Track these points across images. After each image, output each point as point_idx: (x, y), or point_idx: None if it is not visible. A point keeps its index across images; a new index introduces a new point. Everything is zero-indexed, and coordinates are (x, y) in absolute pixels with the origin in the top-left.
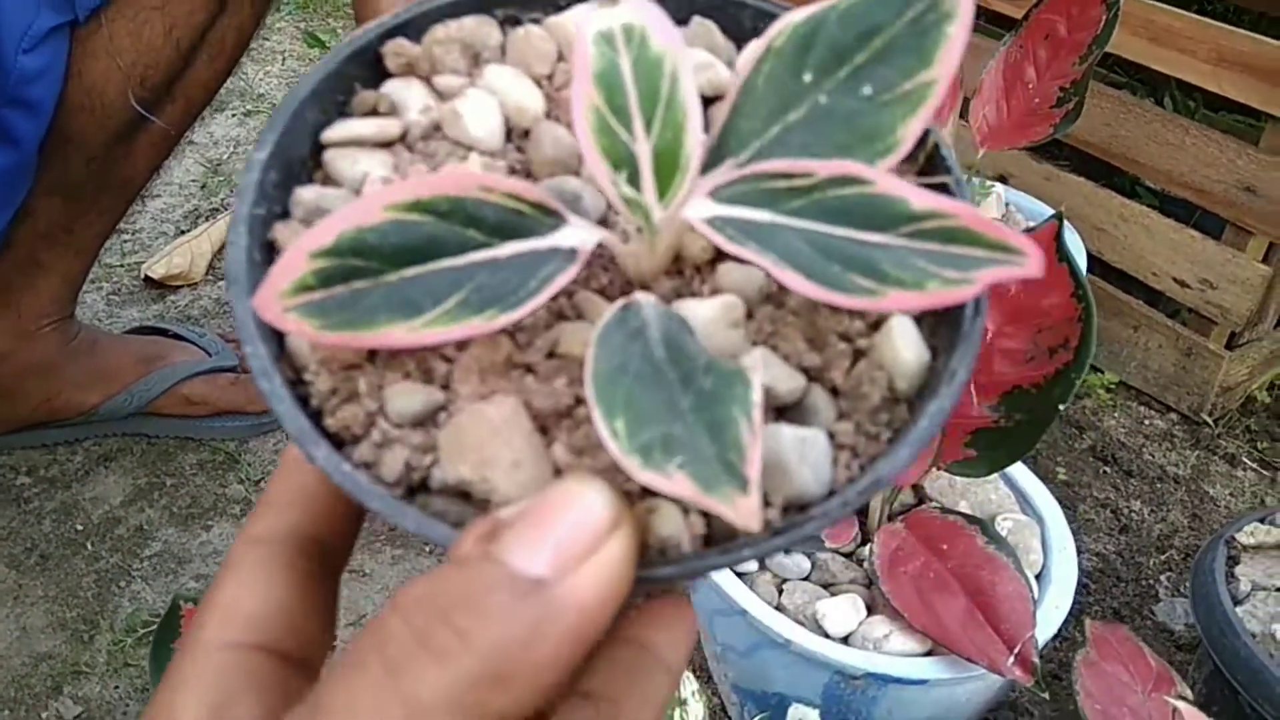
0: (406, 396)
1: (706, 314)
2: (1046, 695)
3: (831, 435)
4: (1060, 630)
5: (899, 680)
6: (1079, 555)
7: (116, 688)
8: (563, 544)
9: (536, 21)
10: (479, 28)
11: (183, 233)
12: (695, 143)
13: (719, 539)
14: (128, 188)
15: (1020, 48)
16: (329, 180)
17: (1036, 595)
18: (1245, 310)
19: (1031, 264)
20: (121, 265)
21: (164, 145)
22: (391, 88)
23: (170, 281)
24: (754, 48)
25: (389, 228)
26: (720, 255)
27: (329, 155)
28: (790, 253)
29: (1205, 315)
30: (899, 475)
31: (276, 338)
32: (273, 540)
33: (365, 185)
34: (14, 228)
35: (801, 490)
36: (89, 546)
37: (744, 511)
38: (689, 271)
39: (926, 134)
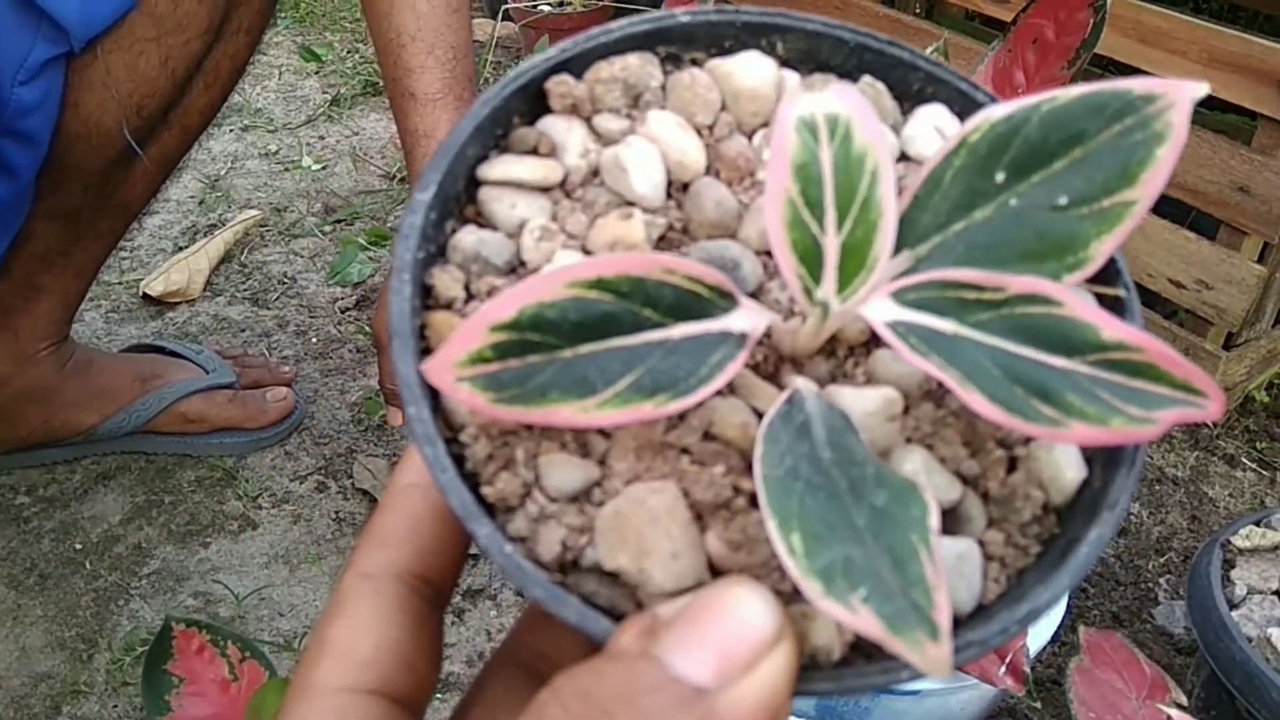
0: (564, 471)
1: (866, 406)
2: (1039, 705)
3: (981, 544)
4: (1058, 635)
5: (892, 691)
6: None
7: (115, 707)
8: (725, 651)
9: (698, 63)
10: (642, 67)
11: (180, 249)
12: (886, 244)
13: (868, 647)
14: (125, 212)
15: (1009, 52)
16: (482, 218)
17: None
18: (1241, 310)
19: (1214, 407)
20: (120, 283)
21: (162, 170)
22: (551, 126)
23: (168, 299)
24: (945, 143)
25: (569, 304)
26: (877, 339)
27: (485, 194)
28: (974, 371)
29: (1202, 316)
30: (1057, 602)
31: (432, 393)
32: (383, 576)
33: (524, 233)
34: (12, 253)
35: (955, 605)
36: (88, 565)
37: (935, 660)
38: (843, 352)
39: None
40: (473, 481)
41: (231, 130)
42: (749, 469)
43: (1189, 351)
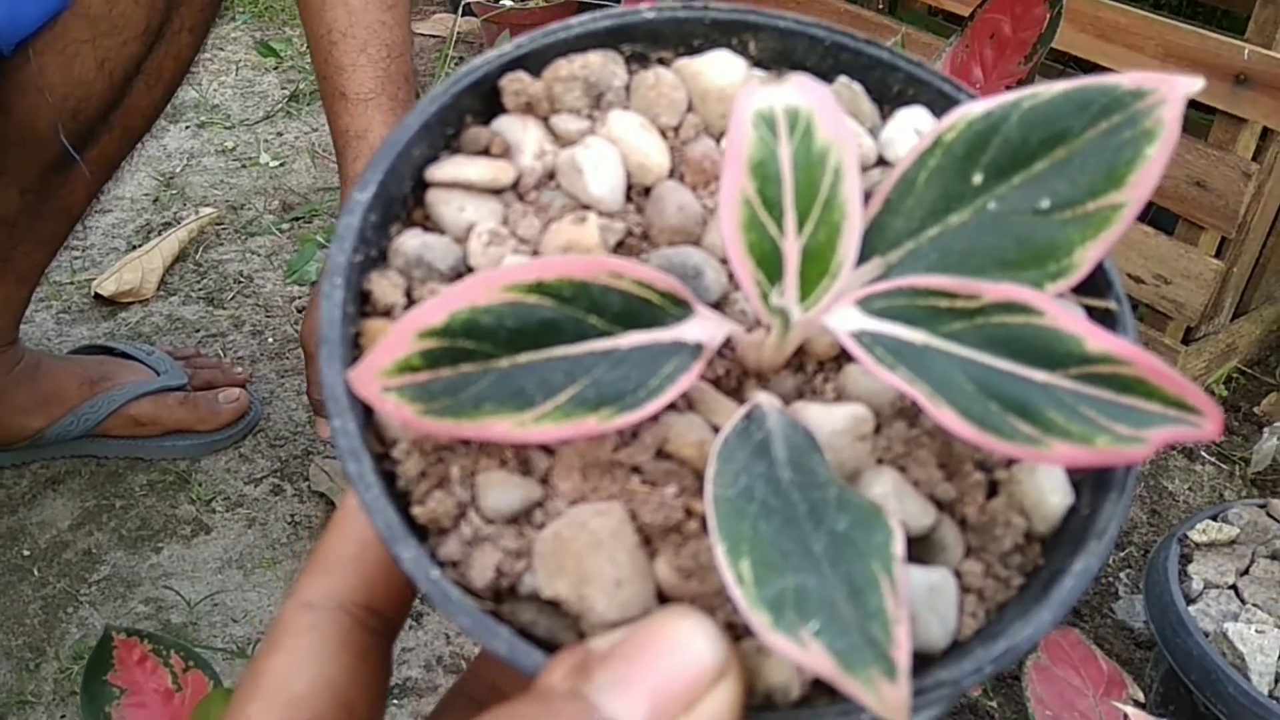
0: (502, 491)
1: (833, 424)
2: (995, 705)
3: (958, 574)
4: None
5: None
6: None
7: (63, 717)
8: (661, 691)
9: (665, 63)
10: (604, 65)
11: (134, 248)
12: (850, 246)
13: (828, 692)
14: (66, 216)
15: (966, 47)
16: (429, 222)
17: None
18: (1200, 305)
19: (1210, 425)
20: (71, 283)
21: (103, 173)
22: (506, 126)
23: (121, 298)
24: (919, 143)
25: (506, 310)
26: (846, 354)
27: (432, 196)
28: (945, 385)
29: (1160, 311)
30: (1038, 641)
31: (364, 406)
32: (325, 607)
33: (471, 238)
34: None
35: (927, 641)
36: (36, 572)
37: (891, 703)
38: (811, 367)
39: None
40: (404, 501)
41: (187, 126)
42: (703, 490)
43: (1148, 346)
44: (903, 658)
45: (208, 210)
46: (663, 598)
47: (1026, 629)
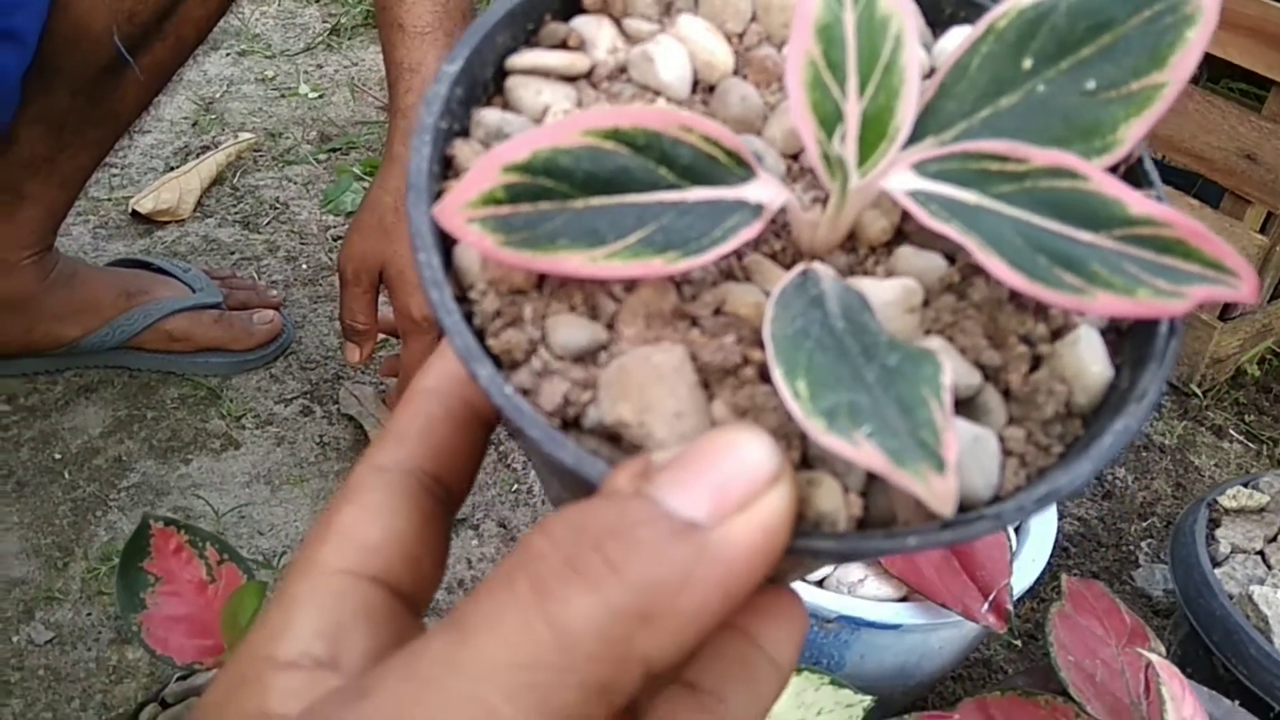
0: (571, 329)
1: (884, 295)
2: (1019, 645)
3: (1001, 439)
4: (1037, 590)
5: (872, 624)
6: (1061, 519)
7: (89, 614)
8: (720, 489)
9: None
10: None
11: (172, 169)
12: (908, 111)
13: (875, 525)
14: (115, 122)
15: None
16: (509, 107)
17: (1014, 546)
18: None
19: (1246, 287)
20: (109, 199)
21: (154, 82)
22: (582, 24)
23: (158, 217)
24: (972, 30)
25: (584, 153)
26: (899, 238)
27: (512, 82)
28: (995, 238)
29: None
30: (1077, 489)
31: (446, 249)
32: (396, 470)
33: (547, 117)
34: None
35: (970, 490)
36: (66, 475)
37: (939, 492)
38: (864, 251)
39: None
40: (480, 337)
41: (228, 54)
42: (761, 343)
43: (1184, 320)
44: (951, 455)
45: (246, 136)
46: None
47: (1066, 477)
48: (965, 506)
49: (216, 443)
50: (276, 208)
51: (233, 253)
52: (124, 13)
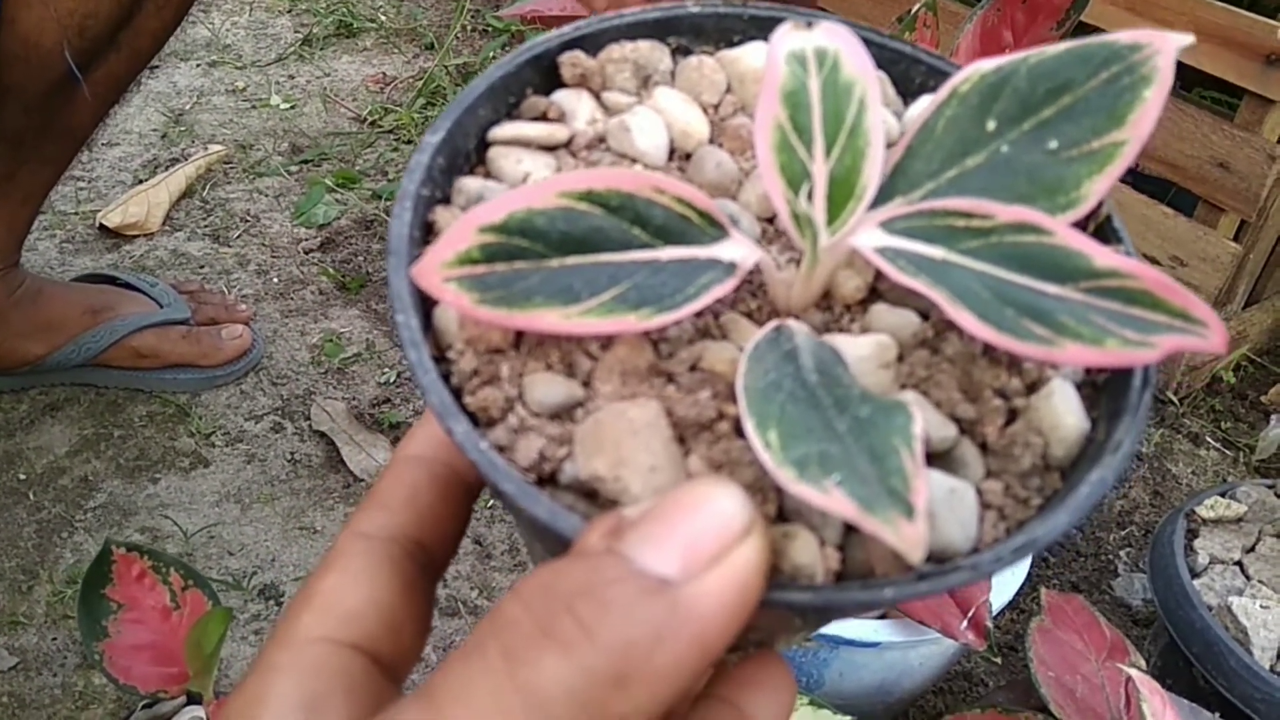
0: (547, 386)
1: (859, 350)
2: (999, 661)
3: (979, 492)
4: (1017, 602)
5: (851, 642)
6: None
7: (54, 639)
8: (692, 544)
9: (709, 54)
10: (652, 51)
11: (140, 182)
12: (874, 171)
13: (852, 579)
14: (73, 137)
15: (997, 11)
16: (491, 175)
17: None
18: (1214, 289)
19: (1215, 337)
20: (76, 213)
21: (109, 95)
22: (562, 96)
23: (125, 231)
24: (937, 95)
25: (559, 214)
26: (872, 297)
27: (494, 152)
28: (963, 291)
29: None
30: (1054, 539)
31: (425, 310)
32: (379, 537)
33: (527, 184)
34: None
35: (947, 542)
36: (31, 496)
37: (909, 538)
38: (838, 309)
39: (1100, 204)
40: (457, 395)
41: (198, 65)
42: (736, 398)
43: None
44: (920, 502)
45: (216, 148)
46: None
47: (1044, 528)
48: (943, 558)
49: (185, 461)
50: (247, 220)
51: (202, 266)
52: (74, 27)
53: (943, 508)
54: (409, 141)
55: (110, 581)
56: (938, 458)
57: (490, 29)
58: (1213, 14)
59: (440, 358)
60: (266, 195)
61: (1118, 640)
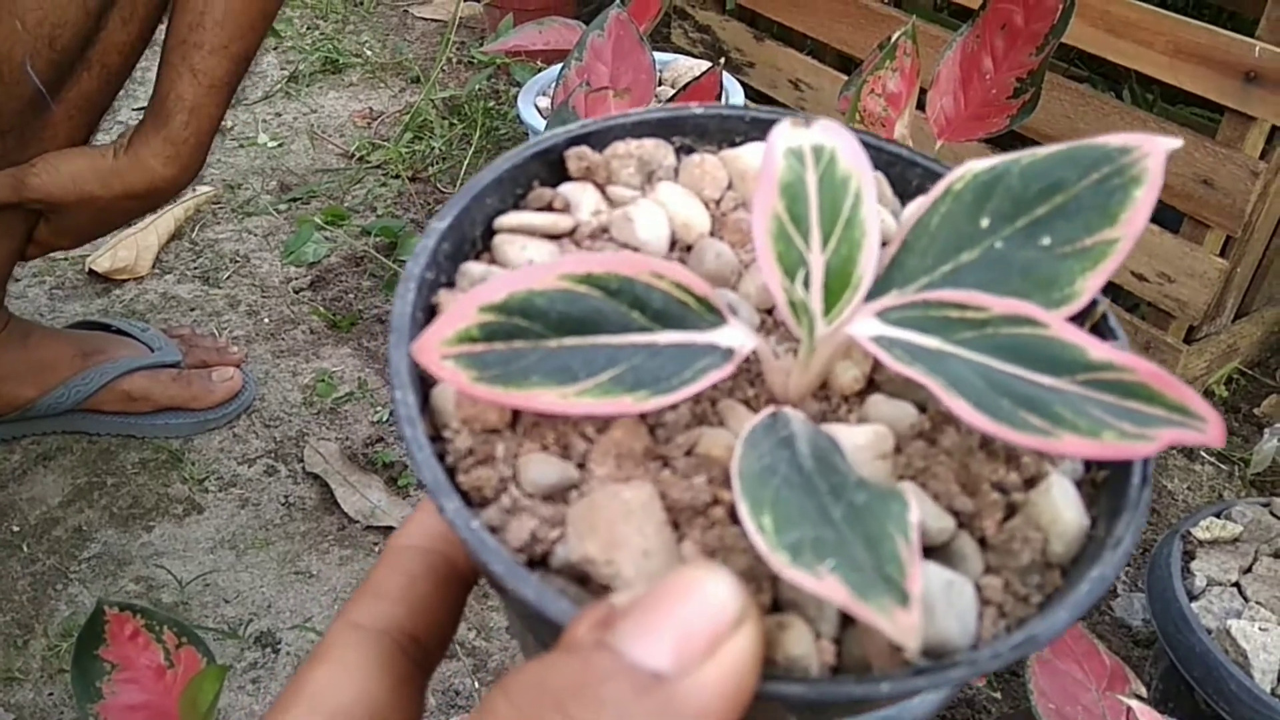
0: (542, 466)
1: (855, 439)
2: (999, 695)
3: (978, 588)
4: None
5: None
6: None
7: (50, 694)
8: (684, 635)
9: (711, 152)
10: (657, 149)
11: (129, 225)
12: (870, 263)
13: (849, 672)
14: None
15: (977, 38)
16: (495, 262)
17: None
18: (1203, 304)
19: (1213, 431)
20: (65, 259)
21: (85, 117)
22: (568, 189)
23: (115, 275)
24: (931, 192)
25: (558, 295)
26: (870, 388)
27: (499, 239)
28: (959, 381)
29: (1163, 309)
30: (1054, 638)
31: (421, 388)
32: (372, 629)
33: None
34: None
35: (945, 637)
36: (25, 548)
37: (903, 625)
38: (836, 400)
39: (1094, 302)
40: (451, 474)
41: None
42: (731, 484)
43: (1150, 345)
44: (915, 589)
45: (204, 189)
46: None
47: (1044, 625)
48: (941, 653)
49: (179, 508)
50: (237, 261)
51: (193, 309)
52: (44, 38)
53: (940, 600)
54: (396, 176)
55: (103, 642)
56: (936, 550)
57: (475, 62)
58: (1192, 33)
59: (436, 436)
60: (255, 234)
61: (1117, 668)
